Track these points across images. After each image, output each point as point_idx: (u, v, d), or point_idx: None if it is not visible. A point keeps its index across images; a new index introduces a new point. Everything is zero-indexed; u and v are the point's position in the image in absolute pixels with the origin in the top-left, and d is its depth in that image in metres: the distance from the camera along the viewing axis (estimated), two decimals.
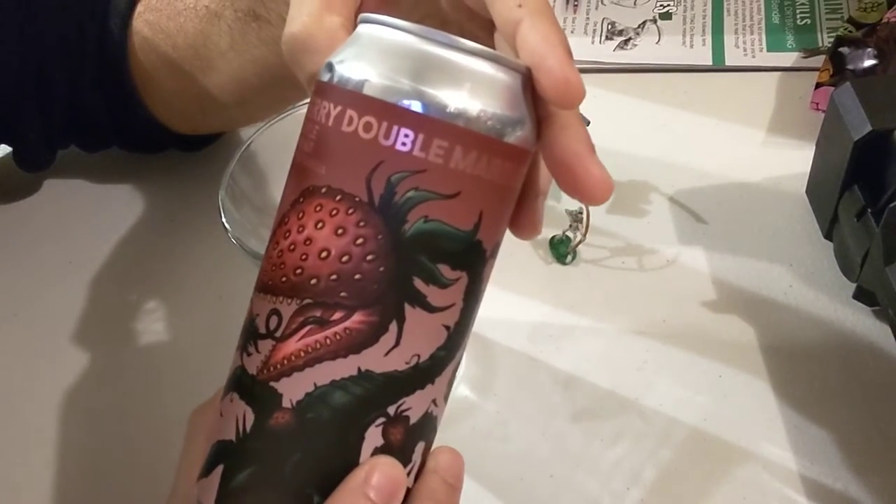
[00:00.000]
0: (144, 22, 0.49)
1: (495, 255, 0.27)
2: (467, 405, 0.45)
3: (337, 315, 0.25)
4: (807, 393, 0.44)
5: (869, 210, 0.43)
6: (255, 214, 0.46)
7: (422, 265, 0.25)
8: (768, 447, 0.42)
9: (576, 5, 0.66)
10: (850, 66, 0.54)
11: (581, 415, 0.45)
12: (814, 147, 0.49)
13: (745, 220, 0.51)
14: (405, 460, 0.27)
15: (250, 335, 0.27)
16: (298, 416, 0.25)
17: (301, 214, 0.26)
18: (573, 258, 0.51)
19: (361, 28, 0.26)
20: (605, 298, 0.49)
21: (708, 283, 0.49)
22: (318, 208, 0.25)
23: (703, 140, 0.56)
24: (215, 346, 0.50)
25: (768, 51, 0.61)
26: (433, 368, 0.26)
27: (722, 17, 0.64)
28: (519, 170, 0.27)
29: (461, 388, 0.46)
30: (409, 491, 0.27)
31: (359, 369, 0.25)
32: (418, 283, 0.25)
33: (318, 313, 0.25)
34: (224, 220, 0.42)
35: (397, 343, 0.25)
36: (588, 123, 0.53)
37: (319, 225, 0.25)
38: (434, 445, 0.28)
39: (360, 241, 0.25)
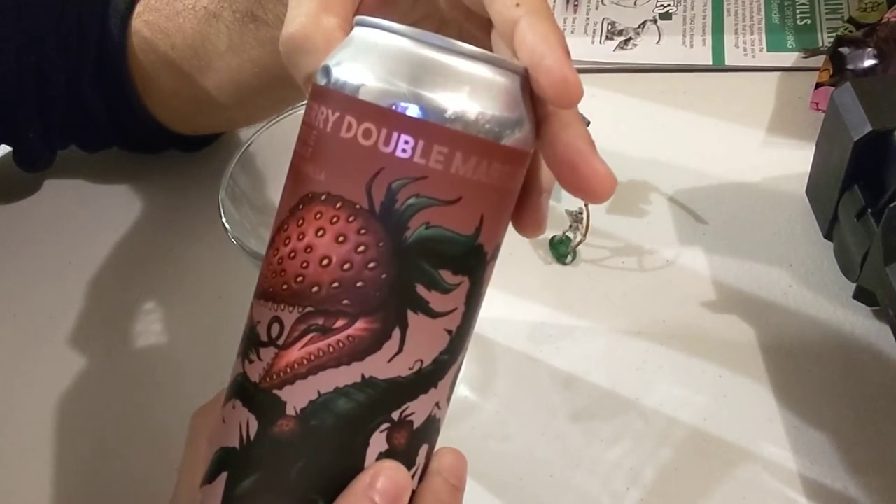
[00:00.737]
0: (143, 22, 0.49)
1: (496, 257, 0.27)
2: (467, 405, 0.45)
3: (339, 323, 0.25)
4: (807, 393, 0.44)
5: (869, 210, 0.43)
6: (255, 214, 0.46)
7: (423, 271, 0.25)
8: (768, 447, 0.42)
9: (576, 5, 0.66)
10: (850, 66, 0.54)
11: (581, 415, 0.45)
12: (814, 147, 0.49)
13: (745, 220, 0.51)
14: (409, 463, 0.27)
15: (251, 343, 0.27)
16: (302, 424, 0.25)
17: (301, 221, 0.26)
18: (573, 258, 0.51)
19: (357, 31, 0.26)
20: (605, 298, 0.49)
21: (708, 283, 0.49)
22: (318, 215, 0.25)
23: (703, 140, 0.56)
24: (215, 346, 0.50)
25: (768, 51, 0.61)
26: (436, 373, 0.26)
27: (722, 17, 0.64)
28: (518, 171, 0.27)
29: (461, 388, 0.46)
30: (413, 493, 0.27)
31: (362, 376, 0.25)
32: (420, 290, 0.25)
33: (320, 321, 0.25)
34: (224, 220, 0.42)
35: (400, 349, 0.25)
36: (588, 123, 0.53)
37: (320, 233, 0.25)
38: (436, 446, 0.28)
39: (361, 248, 0.25)
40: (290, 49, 0.28)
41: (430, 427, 0.27)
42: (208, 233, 0.54)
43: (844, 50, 0.54)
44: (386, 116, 0.24)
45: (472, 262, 0.26)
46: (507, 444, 0.44)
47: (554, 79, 0.24)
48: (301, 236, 0.26)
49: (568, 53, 0.25)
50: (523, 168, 0.27)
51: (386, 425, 0.26)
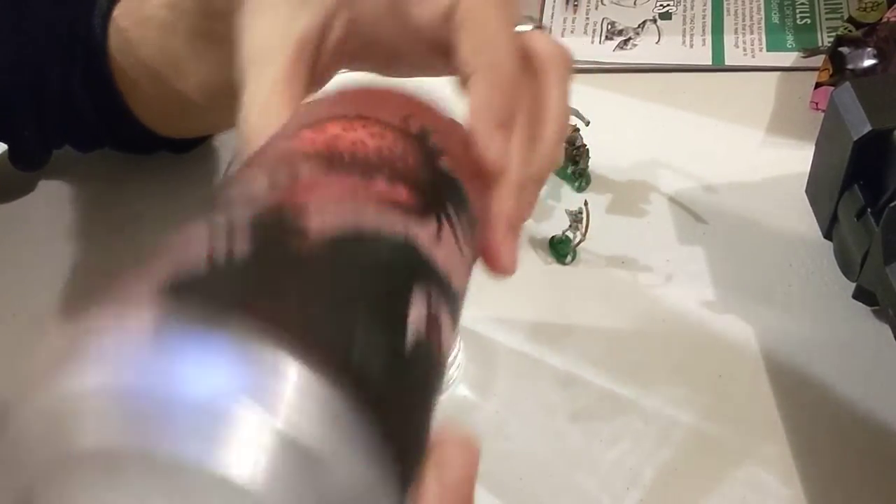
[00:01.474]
0: (118, 25, 0.49)
1: None
2: (467, 405, 0.45)
3: (380, 178, 0.23)
4: (807, 393, 0.44)
5: (869, 210, 0.43)
6: None
7: (453, 197, 0.25)
8: (768, 447, 0.42)
9: (576, 5, 0.66)
10: (849, 66, 0.54)
11: (581, 414, 0.45)
12: (813, 147, 0.49)
13: (745, 220, 0.51)
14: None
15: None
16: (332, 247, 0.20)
17: (339, 127, 0.24)
18: (573, 258, 0.51)
19: None
20: (604, 298, 0.49)
21: (708, 283, 0.49)
22: (354, 127, 0.24)
23: (703, 140, 0.56)
24: None
25: (768, 50, 0.61)
26: (460, 297, 0.25)
27: (722, 16, 0.64)
28: None
29: (461, 388, 0.46)
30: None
31: (406, 235, 0.22)
32: (450, 208, 0.24)
33: (359, 171, 0.23)
34: None
35: (438, 237, 0.23)
36: (588, 124, 0.53)
37: (360, 133, 0.24)
38: None
39: (401, 152, 0.24)
40: (247, 137, 0.29)
41: (449, 349, 0.24)
42: None
43: (844, 49, 0.54)
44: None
45: (473, 223, 0.26)
46: (507, 444, 0.44)
47: (478, 151, 0.26)
48: (342, 131, 0.24)
49: (501, 123, 0.27)
50: None
51: (425, 292, 0.22)
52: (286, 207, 0.21)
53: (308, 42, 0.31)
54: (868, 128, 0.43)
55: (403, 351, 0.20)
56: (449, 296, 0.23)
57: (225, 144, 0.60)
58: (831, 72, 0.54)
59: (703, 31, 0.63)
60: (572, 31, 0.64)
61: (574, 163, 0.54)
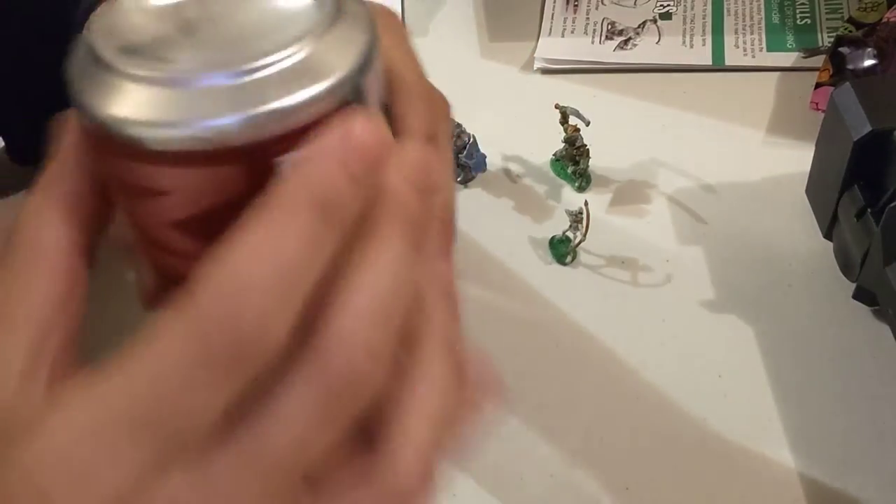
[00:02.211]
0: None
1: None
2: None
3: None
4: (807, 393, 0.44)
5: (869, 210, 0.43)
6: None
7: None
8: (768, 447, 0.42)
9: (576, 5, 0.66)
10: (850, 66, 0.54)
11: (581, 414, 0.45)
12: (813, 147, 0.49)
13: (745, 220, 0.51)
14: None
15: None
16: None
17: None
18: (573, 258, 0.51)
19: None
20: (604, 298, 0.49)
21: (708, 283, 0.49)
22: None
23: (703, 140, 0.56)
24: None
25: (768, 51, 0.61)
26: None
27: (722, 17, 0.64)
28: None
29: None
30: None
31: None
32: None
33: None
34: None
35: None
36: (588, 124, 0.53)
37: None
38: None
39: None
40: None
41: None
42: None
43: (844, 50, 0.55)
44: None
45: None
46: (507, 444, 0.44)
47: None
48: None
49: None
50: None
51: None
52: None
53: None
54: (868, 128, 0.43)
55: None
56: None
57: None
58: (831, 72, 0.54)
59: (704, 31, 0.63)
60: (572, 31, 0.64)
61: (574, 163, 0.54)
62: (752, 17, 0.63)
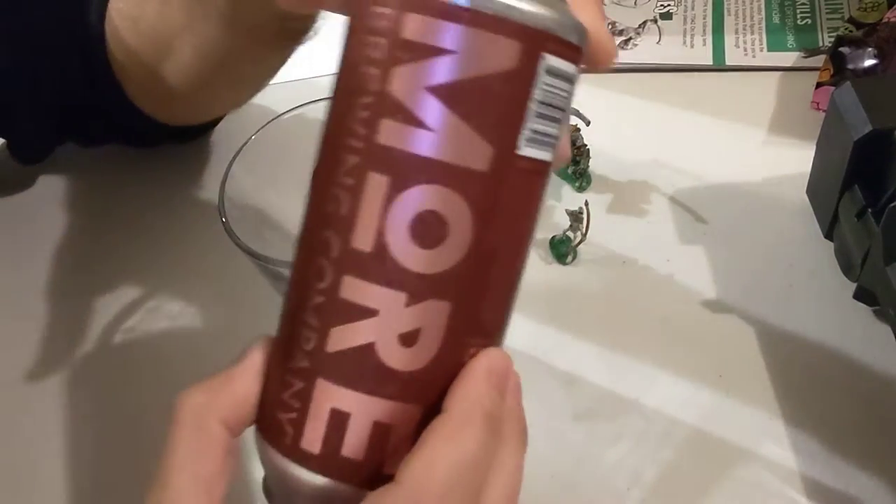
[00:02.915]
0: (115, 10, 0.50)
1: None
2: None
3: None
4: (807, 393, 0.44)
5: (869, 210, 0.43)
6: (255, 214, 0.46)
7: None
8: (769, 447, 0.42)
9: None
10: (850, 66, 0.54)
11: (581, 414, 0.45)
12: (814, 147, 0.49)
13: (746, 219, 0.51)
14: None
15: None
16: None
17: None
18: (573, 258, 0.51)
19: None
20: (605, 298, 0.49)
21: (708, 283, 0.49)
22: None
23: (703, 140, 0.56)
24: (215, 345, 0.50)
25: (769, 51, 0.61)
26: None
27: (722, 16, 0.64)
28: None
29: None
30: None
31: None
32: None
33: None
34: (224, 220, 0.42)
35: None
36: (588, 123, 0.53)
37: None
38: None
39: None
40: None
41: None
42: (208, 233, 0.54)
43: (845, 50, 0.55)
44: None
45: None
46: None
47: (597, 52, 0.27)
48: None
49: (603, 23, 0.28)
50: None
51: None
52: None
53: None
54: (869, 128, 0.43)
55: None
56: None
57: (231, 138, 0.60)
58: (832, 72, 0.54)
59: (704, 31, 0.63)
60: None
61: (574, 163, 0.54)
62: (752, 17, 0.63)
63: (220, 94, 0.52)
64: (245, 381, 0.27)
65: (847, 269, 0.47)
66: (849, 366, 0.44)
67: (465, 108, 0.23)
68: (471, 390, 0.24)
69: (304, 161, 0.46)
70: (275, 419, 0.26)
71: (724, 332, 0.47)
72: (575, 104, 0.58)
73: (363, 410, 0.25)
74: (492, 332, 0.27)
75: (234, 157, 0.45)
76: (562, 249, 0.51)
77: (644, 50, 0.62)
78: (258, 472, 0.28)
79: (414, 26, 0.23)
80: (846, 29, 0.56)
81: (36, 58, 0.51)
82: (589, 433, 0.44)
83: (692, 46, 0.62)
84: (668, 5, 0.65)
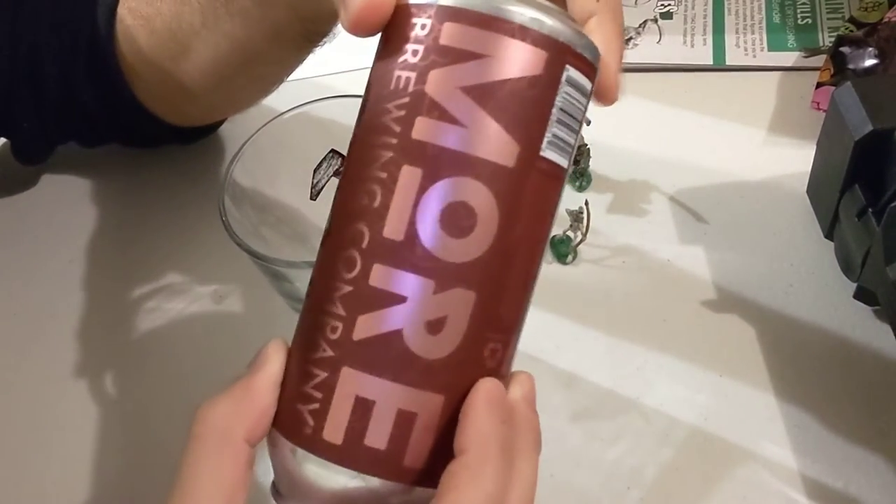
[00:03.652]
0: (127, 10, 0.49)
1: None
2: None
3: None
4: (807, 393, 0.44)
5: (870, 209, 0.43)
6: (255, 214, 0.46)
7: None
8: (768, 447, 0.42)
9: None
10: (850, 66, 0.54)
11: (581, 414, 0.45)
12: (814, 147, 0.49)
13: (746, 219, 0.51)
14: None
15: None
16: None
17: None
18: (573, 258, 0.51)
19: None
20: (605, 298, 0.49)
21: (708, 283, 0.49)
22: None
23: (703, 140, 0.56)
24: (214, 345, 0.50)
25: (769, 50, 0.61)
26: None
27: (723, 16, 0.64)
28: None
29: None
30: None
31: None
32: None
33: None
34: (224, 220, 0.42)
35: None
36: (588, 123, 0.53)
37: None
38: None
39: None
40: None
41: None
42: (208, 233, 0.54)
43: (845, 49, 0.54)
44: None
45: None
46: None
47: (601, 83, 0.29)
48: None
49: (620, 59, 0.29)
50: None
51: None
52: None
53: None
54: (869, 128, 0.43)
55: None
56: None
57: (231, 137, 0.60)
58: (832, 72, 0.54)
59: (705, 30, 0.63)
60: None
61: (575, 162, 0.54)
62: (752, 17, 0.63)
63: (234, 94, 0.52)
64: (265, 394, 0.27)
65: (847, 269, 0.47)
66: (848, 366, 0.44)
67: (496, 108, 0.25)
68: (480, 428, 0.26)
69: (305, 161, 0.46)
70: (294, 412, 0.26)
71: (724, 331, 0.47)
72: None
73: (388, 398, 0.25)
74: (509, 329, 0.28)
75: (235, 157, 0.45)
76: (562, 249, 0.51)
77: (644, 49, 0.62)
78: (262, 478, 0.28)
79: (451, 33, 0.25)
80: (847, 28, 0.56)
81: (39, 57, 0.51)
82: (588, 433, 0.44)
83: (692, 46, 0.62)
84: (669, 5, 0.65)
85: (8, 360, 0.52)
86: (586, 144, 0.54)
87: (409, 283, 0.25)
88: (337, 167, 0.45)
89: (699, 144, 0.56)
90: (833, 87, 0.49)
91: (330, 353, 0.26)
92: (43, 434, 0.48)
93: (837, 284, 0.47)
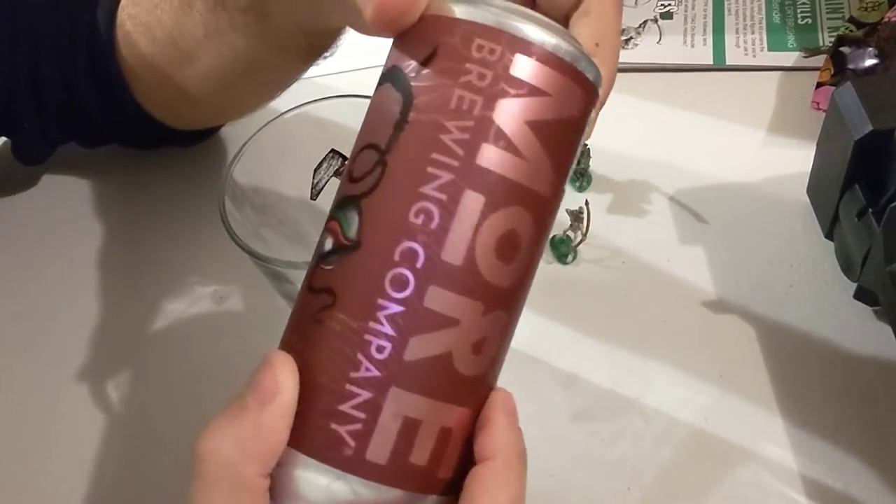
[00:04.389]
0: (127, 16, 0.49)
1: None
2: None
3: None
4: (807, 393, 0.44)
5: (870, 210, 0.43)
6: (255, 214, 0.46)
7: None
8: (768, 447, 0.42)
9: None
10: (850, 66, 0.54)
11: (581, 414, 0.45)
12: (814, 147, 0.49)
13: (746, 219, 0.51)
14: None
15: None
16: None
17: None
18: (573, 258, 0.51)
19: None
20: (605, 298, 0.49)
21: (708, 283, 0.49)
22: None
23: (703, 140, 0.56)
24: (215, 345, 0.50)
25: (769, 50, 0.61)
26: None
27: (723, 16, 0.64)
28: None
29: None
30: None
31: None
32: None
33: None
34: (224, 220, 0.42)
35: None
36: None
37: None
38: None
39: None
40: None
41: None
42: (209, 233, 0.54)
43: (845, 49, 0.54)
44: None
45: None
46: None
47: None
48: None
49: (606, 98, 0.31)
50: None
51: None
52: None
53: None
54: (869, 128, 0.43)
55: None
56: None
57: (231, 138, 0.60)
58: (832, 72, 0.54)
59: (705, 30, 0.63)
60: None
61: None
62: (752, 17, 0.63)
63: (236, 101, 0.52)
64: (280, 429, 0.26)
65: (847, 269, 0.47)
66: (849, 366, 0.44)
67: (551, 145, 0.26)
68: (504, 436, 0.27)
69: (305, 161, 0.46)
70: (327, 433, 0.26)
71: (724, 332, 0.47)
72: None
73: (434, 417, 0.26)
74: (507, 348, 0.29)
75: (235, 158, 0.45)
76: (562, 249, 0.51)
77: (644, 49, 0.62)
78: None
79: (523, 66, 0.26)
80: (847, 28, 0.56)
81: (39, 58, 0.51)
82: (588, 433, 0.44)
83: (692, 46, 0.62)
84: (669, 5, 0.65)
85: (8, 361, 0.52)
86: (586, 145, 0.54)
87: (463, 307, 0.26)
88: (337, 167, 0.45)
89: (699, 144, 0.56)
90: (833, 87, 0.49)
91: (375, 372, 0.25)
92: (43, 434, 0.48)
93: (837, 284, 0.47)
